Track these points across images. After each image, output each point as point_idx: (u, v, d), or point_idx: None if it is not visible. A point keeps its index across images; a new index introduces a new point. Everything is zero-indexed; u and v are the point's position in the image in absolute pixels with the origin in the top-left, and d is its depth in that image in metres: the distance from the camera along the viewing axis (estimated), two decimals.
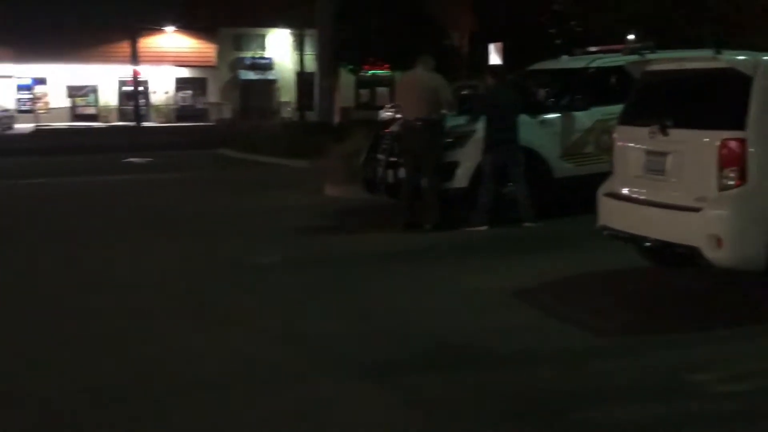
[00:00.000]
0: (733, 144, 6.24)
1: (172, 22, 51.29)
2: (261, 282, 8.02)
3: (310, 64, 31.98)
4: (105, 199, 14.60)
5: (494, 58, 28.07)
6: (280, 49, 51.24)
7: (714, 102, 6.68)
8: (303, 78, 39.48)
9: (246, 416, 4.74)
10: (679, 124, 6.73)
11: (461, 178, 10.50)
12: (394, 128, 11.24)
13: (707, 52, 6.82)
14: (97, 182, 17.11)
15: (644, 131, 6.91)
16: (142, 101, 48.46)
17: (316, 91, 26.90)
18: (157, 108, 52.04)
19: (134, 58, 42.61)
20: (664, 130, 6.74)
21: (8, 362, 5.83)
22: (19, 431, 4.67)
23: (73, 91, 51.28)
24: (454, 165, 10.53)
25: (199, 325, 6.62)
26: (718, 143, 6.30)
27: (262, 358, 5.76)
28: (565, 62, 12.03)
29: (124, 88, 50.03)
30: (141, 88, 48.24)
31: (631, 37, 28.91)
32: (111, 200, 14.47)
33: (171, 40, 52.17)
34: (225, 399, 4.99)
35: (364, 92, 51.19)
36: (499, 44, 27.21)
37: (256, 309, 7.06)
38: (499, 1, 40.43)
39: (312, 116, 28.73)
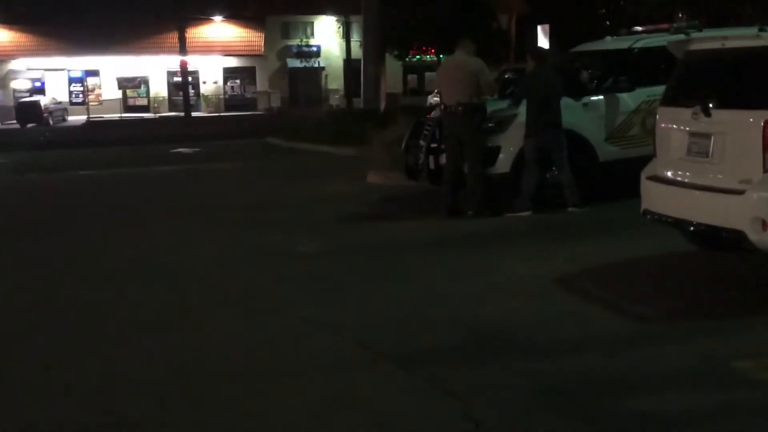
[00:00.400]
0: None
1: (220, 12, 51.65)
2: (301, 271, 8.03)
3: (357, 51, 31.93)
4: (151, 190, 14.82)
5: (542, 41, 27.73)
6: (327, 36, 51.35)
7: (758, 82, 6.47)
8: (350, 65, 39.50)
9: (282, 405, 4.75)
10: (723, 105, 6.55)
11: (503, 163, 10.39)
12: (435, 114, 11.14)
13: (751, 30, 6.62)
14: (145, 173, 17.36)
15: (687, 112, 6.73)
16: (191, 91, 49.00)
17: (363, 78, 26.82)
18: (206, 98, 52.56)
19: (182, 48, 43.02)
20: (707, 111, 6.56)
21: (54, 349, 5.92)
22: (69, 420, 4.73)
23: (124, 83, 52.02)
24: (496, 150, 10.41)
25: (238, 314, 6.66)
26: (762, 123, 6.10)
27: (299, 347, 5.77)
28: (610, 43, 11.79)
29: (174, 79, 50.59)
30: (190, 79, 48.75)
31: (680, 16, 28.38)
32: (156, 191, 14.68)
33: (219, 29, 52.58)
34: (262, 388, 5.01)
35: (412, 78, 51.08)
36: (547, 26, 26.86)
37: (296, 298, 7.07)
38: None
39: (359, 103, 28.70)
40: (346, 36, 39.81)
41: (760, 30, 6.50)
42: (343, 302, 6.89)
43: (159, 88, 52.89)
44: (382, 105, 25.97)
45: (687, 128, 6.81)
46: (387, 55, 29.29)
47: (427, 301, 6.78)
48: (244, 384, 5.12)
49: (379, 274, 7.80)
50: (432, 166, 10.94)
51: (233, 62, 53.46)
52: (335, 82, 50.50)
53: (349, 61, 40.52)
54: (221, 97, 53.27)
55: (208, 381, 5.20)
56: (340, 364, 5.41)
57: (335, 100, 47.56)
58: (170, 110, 50.79)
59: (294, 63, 51.85)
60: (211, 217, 11.48)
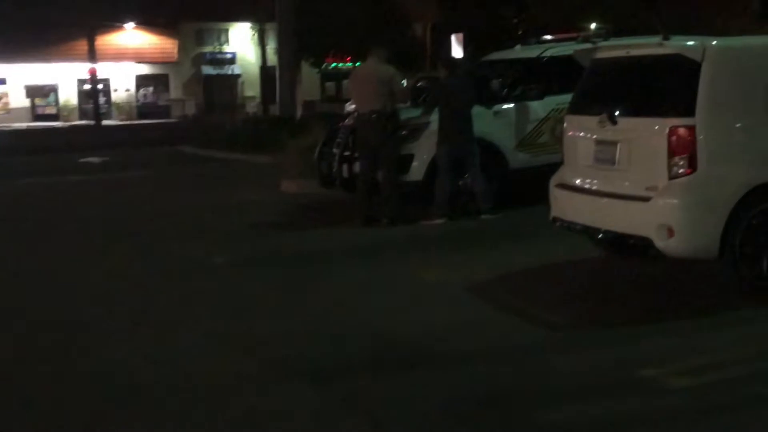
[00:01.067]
0: (682, 131, 6.16)
1: (132, 18, 50.62)
2: (212, 283, 7.85)
3: (273, 58, 31.71)
4: (56, 201, 14.28)
5: (456, 49, 28.01)
6: (242, 43, 50.80)
7: (662, 89, 6.60)
8: (266, 72, 39.14)
9: (187, 425, 4.60)
10: (628, 113, 6.64)
11: (417, 171, 10.38)
12: (348, 121, 11.06)
13: (655, 39, 6.72)
14: (52, 183, 16.77)
15: (593, 120, 6.81)
16: (102, 99, 47.87)
17: (279, 85, 26.61)
18: (118, 106, 51.42)
19: (92, 56, 41.99)
20: (612, 119, 6.64)
21: None
22: None
23: (33, 91, 50.47)
24: (410, 158, 10.40)
25: (143, 330, 6.44)
26: (667, 131, 6.20)
27: (206, 364, 5.60)
28: (519, 52, 11.92)
29: (85, 87, 49.36)
30: (101, 86, 47.61)
31: (592, 25, 29.01)
32: (62, 201, 14.16)
33: (131, 36, 51.49)
34: (166, 406, 4.84)
35: (330, 85, 50.95)
36: (460, 35, 27.14)
37: (207, 311, 6.89)
38: None
39: (276, 111, 28.46)
40: (262, 43, 39.45)
41: (664, 38, 6.61)
42: (253, 316, 6.73)
43: (69, 96, 51.46)
44: (299, 112, 25.81)
45: (594, 136, 6.88)
46: (304, 62, 29.13)
47: (340, 313, 6.68)
48: (148, 402, 4.93)
49: (291, 285, 7.66)
50: (346, 174, 10.85)
51: (146, 69, 52.42)
52: (251, 89, 49.99)
53: (265, 68, 40.16)
54: (133, 104, 52.19)
55: (109, 399, 5.00)
56: (249, 380, 5.26)
57: (251, 108, 47.05)
58: (81, 119, 49.46)
59: (208, 70, 51.14)
60: (118, 228, 11.14)
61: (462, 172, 10.24)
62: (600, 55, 7.28)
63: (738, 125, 6.30)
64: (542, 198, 7.79)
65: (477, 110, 10.25)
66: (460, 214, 10.16)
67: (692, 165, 6.13)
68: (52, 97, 51.45)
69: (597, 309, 6.43)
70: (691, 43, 6.45)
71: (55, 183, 16.79)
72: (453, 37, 28.10)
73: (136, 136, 31.87)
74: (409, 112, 10.82)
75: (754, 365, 5.13)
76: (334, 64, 33.36)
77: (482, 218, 10.10)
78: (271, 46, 38.01)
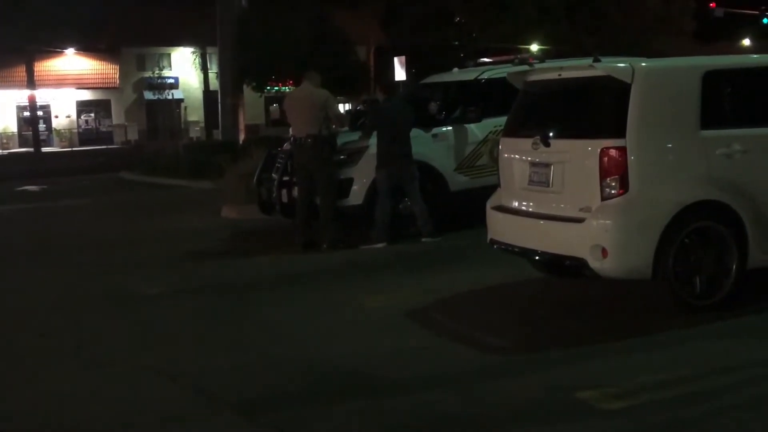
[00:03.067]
0: (613, 152, 6.20)
1: (72, 44, 49.97)
2: (144, 314, 7.68)
3: (216, 82, 31.50)
4: None
5: (399, 72, 28.15)
6: (184, 68, 50.44)
7: (594, 111, 6.65)
8: (209, 97, 38.86)
9: None
10: (561, 135, 6.68)
11: (356, 195, 10.34)
12: (287, 146, 10.98)
13: (585, 61, 6.78)
14: None
15: (527, 142, 6.83)
16: (43, 126, 47.11)
17: (221, 110, 26.46)
18: (59, 132, 50.62)
19: (30, 82, 41.36)
20: (546, 141, 6.66)
21: None
22: None
23: None
24: (349, 182, 10.36)
25: (72, 363, 6.27)
26: (598, 152, 6.24)
27: (136, 398, 5.44)
28: (456, 75, 11.97)
29: (24, 114, 48.51)
30: (41, 113, 46.87)
31: (533, 47, 29.44)
32: None
33: (71, 61, 50.82)
34: None
35: (275, 109, 50.77)
36: (402, 58, 27.28)
37: (139, 344, 6.72)
38: (404, 15, 40.73)
39: (219, 135, 28.26)
40: (204, 68, 39.20)
41: (594, 60, 6.67)
42: (186, 347, 6.57)
43: (8, 123, 50.50)
44: (242, 137, 25.65)
45: (528, 158, 6.90)
46: (246, 86, 28.97)
47: (276, 342, 6.55)
48: None
49: (227, 315, 7.51)
50: (285, 199, 10.75)
51: (87, 95, 51.75)
52: (194, 113, 49.60)
53: (207, 93, 39.89)
54: (75, 131, 51.42)
55: None
56: (179, 414, 5.11)
57: (195, 133, 46.68)
58: (21, 146, 48.56)
59: (150, 95, 50.66)
60: (53, 258, 10.90)
61: (402, 195, 10.22)
62: (533, 77, 7.32)
63: (668, 145, 6.37)
64: (482, 220, 7.78)
65: (415, 133, 10.25)
66: (400, 238, 10.12)
67: (624, 186, 6.17)
68: None
69: (535, 332, 6.42)
70: (620, 65, 6.52)
71: None
72: (396, 60, 28.25)
73: (77, 163, 31.40)
74: (348, 136, 10.78)
75: (689, 386, 5.13)
76: (276, 88, 33.23)
77: (422, 241, 10.08)
78: (213, 71, 37.81)
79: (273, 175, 10.95)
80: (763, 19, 37.20)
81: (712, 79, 6.47)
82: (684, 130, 6.37)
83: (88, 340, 6.92)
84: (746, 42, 48.36)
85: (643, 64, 6.56)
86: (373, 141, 10.20)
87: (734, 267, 6.40)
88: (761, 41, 42.61)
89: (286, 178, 10.70)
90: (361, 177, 10.32)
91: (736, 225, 6.36)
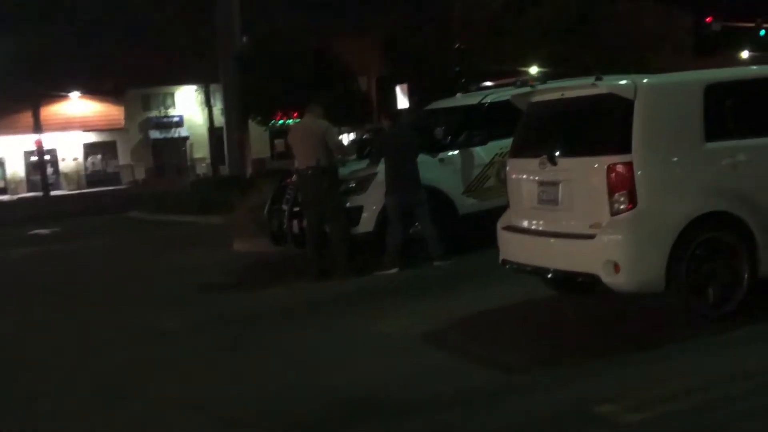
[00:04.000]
0: (620, 168, 6.28)
1: (77, 88, 50.43)
2: (165, 347, 7.76)
3: (221, 118, 31.79)
4: (4, 274, 14.04)
5: (402, 100, 28.38)
6: (189, 105, 50.83)
7: (598, 128, 6.74)
8: (214, 133, 39.13)
9: None
10: (567, 153, 6.76)
11: (367, 222, 10.42)
12: (295, 178, 11.09)
13: (588, 80, 6.89)
14: None
15: (534, 162, 6.92)
16: (50, 170, 47.41)
17: (227, 145, 26.67)
18: (66, 175, 50.94)
19: (37, 126, 41.68)
20: (552, 160, 6.75)
21: None
22: None
23: None
24: (359, 209, 10.44)
25: (96, 397, 6.34)
26: (605, 168, 6.33)
27: (161, 429, 5.52)
28: (461, 99, 12.09)
29: (32, 159, 48.87)
30: (48, 157, 47.18)
31: (532, 69, 29.64)
32: (11, 274, 13.94)
33: (76, 105, 51.25)
34: None
35: (279, 142, 51.03)
36: (405, 86, 27.50)
37: (159, 377, 6.81)
38: (405, 43, 41.04)
39: (226, 171, 28.46)
40: (208, 104, 39.51)
41: (596, 79, 6.78)
42: (208, 378, 6.65)
43: (16, 169, 50.89)
44: (249, 171, 25.81)
45: (536, 177, 6.99)
46: (251, 121, 29.19)
47: (296, 370, 6.62)
48: None
49: (246, 345, 7.59)
50: (296, 229, 10.84)
51: (93, 137, 52.12)
52: (201, 150, 49.92)
53: (212, 129, 40.16)
54: (82, 173, 51.75)
55: None
56: None
57: (202, 169, 46.95)
58: (29, 190, 48.85)
59: (156, 134, 51.01)
60: (70, 297, 10.99)
61: (412, 220, 10.30)
62: (536, 98, 7.43)
63: (674, 159, 6.46)
64: (493, 242, 7.85)
65: (423, 158, 10.35)
66: (412, 263, 10.19)
67: (632, 201, 6.25)
68: None
69: (552, 349, 6.47)
70: (623, 82, 6.63)
71: (2, 257, 16.50)
72: (398, 88, 28.49)
73: (86, 204, 31.58)
74: (355, 164, 10.89)
75: (706, 394, 5.18)
76: (281, 121, 33.45)
77: (435, 265, 10.14)
78: (217, 107, 38.10)
79: (283, 206, 11.05)
80: (760, 31, 37.36)
81: (713, 92, 6.57)
82: (689, 143, 6.46)
83: (112, 374, 7.01)
84: (744, 54, 48.54)
85: (645, 80, 6.66)
86: (381, 168, 10.31)
87: (746, 276, 6.45)
88: (759, 52, 42.79)
89: (296, 209, 10.79)
90: (371, 204, 10.42)
91: (745, 234, 6.43)
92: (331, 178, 10.22)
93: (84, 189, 48.70)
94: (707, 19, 37.99)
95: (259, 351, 7.34)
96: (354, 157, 11.40)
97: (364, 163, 10.87)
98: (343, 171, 10.51)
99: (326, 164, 10.15)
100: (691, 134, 6.46)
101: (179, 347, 7.73)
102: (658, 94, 6.55)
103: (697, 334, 6.26)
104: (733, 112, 6.67)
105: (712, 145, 6.46)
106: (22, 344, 8.56)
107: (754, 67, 8.63)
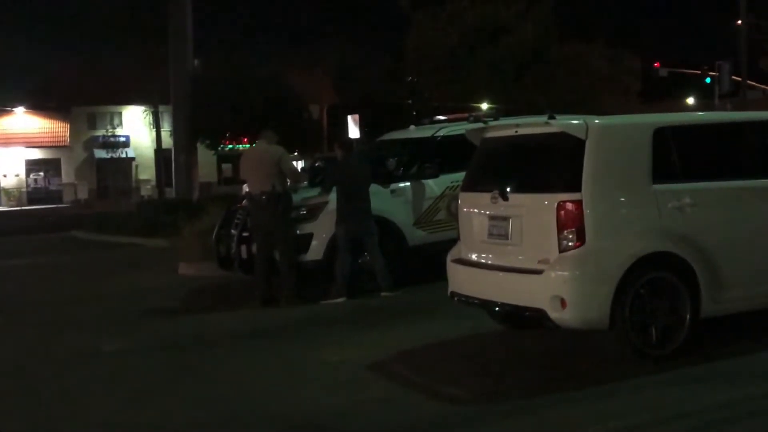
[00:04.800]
0: (570, 206, 6.39)
1: (22, 102, 49.64)
2: (102, 372, 7.60)
3: (168, 140, 31.56)
4: None
5: (353, 130, 28.47)
6: (136, 126, 50.37)
7: (550, 166, 6.85)
8: (161, 155, 38.77)
9: None
10: (519, 189, 6.86)
11: (316, 250, 10.40)
12: (245, 203, 11.04)
13: (542, 118, 7.01)
14: None
15: (486, 197, 7.00)
16: None
17: (174, 167, 26.39)
18: (7, 191, 49.95)
19: None
20: (504, 195, 6.84)
21: None
22: None
23: None
24: (309, 237, 10.42)
25: (26, 424, 6.16)
26: (555, 206, 6.43)
27: None
28: (413, 132, 12.20)
29: None
30: None
31: (484, 105, 30.03)
32: None
33: (21, 120, 50.47)
34: None
35: (227, 167, 50.78)
36: (356, 116, 27.61)
37: (95, 402, 6.66)
38: (357, 74, 41.35)
39: (172, 193, 28.19)
40: (156, 126, 39.13)
41: (550, 117, 6.90)
42: (146, 405, 6.52)
43: None
44: (195, 194, 25.56)
45: (487, 212, 7.07)
46: (199, 144, 29.00)
47: (238, 398, 6.55)
48: None
49: (187, 372, 7.48)
50: (244, 255, 10.77)
51: (36, 154, 51.30)
52: (146, 172, 49.42)
53: (160, 151, 39.78)
54: (24, 190, 50.78)
55: None
56: None
57: (147, 191, 46.46)
58: None
59: (101, 153, 50.38)
60: (8, 317, 10.71)
61: (361, 250, 10.32)
62: (490, 134, 7.53)
63: (622, 199, 6.59)
64: (441, 274, 7.90)
65: (374, 189, 10.40)
66: (360, 293, 10.19)
67: (581, 238, 6.36)
68: None
69: (497, 382, 6.50)
70: (575, 121, 6.76)
71: None
72: (349, 118, 28.60)
73: (27, 222, 30.96)
74: (306, 192, 10.89)
75: None
76: (230, 146, 33.33)
77: (382, 296, 10.16)
78: (165, 129, 37.79)
79: (232, 231, 10.98)
80: (705, 78, 38.43)
81: (662, 135, 6.74)
82: (636, 184, 6.60)
83: (43, 399, 6.84)
84: (690, 101, 49.86)
85: (597, 120, 6.80)
86: (332, 197, 10.32)
87: (688, 316, 6.59)
88: (704, 100, 44.00)
89: (245, 234, 10.74)
90: (321, 232, 10.40)
91: (688, 275, 6.57)
92: (285, 204, 10.19)
93: (25, 206, 47.77)
94: (655, 65, 39.00)
95: (201, 377, 7.24)
96: (305, 184, 11.38)
97: (315, 191, 10.86)
98: (294, 198, 10.48)
99: (281, 190, 10.13)
100: (639, 175, 6.60)
101: (121, 371, 7.59)
102: (608, 135, 6.69)
103: (640, 372, 6.35)
104: (681, 156, 6.83)
105: (659, 187, 6.62)
106: None
107: (701, 113, 8.88)
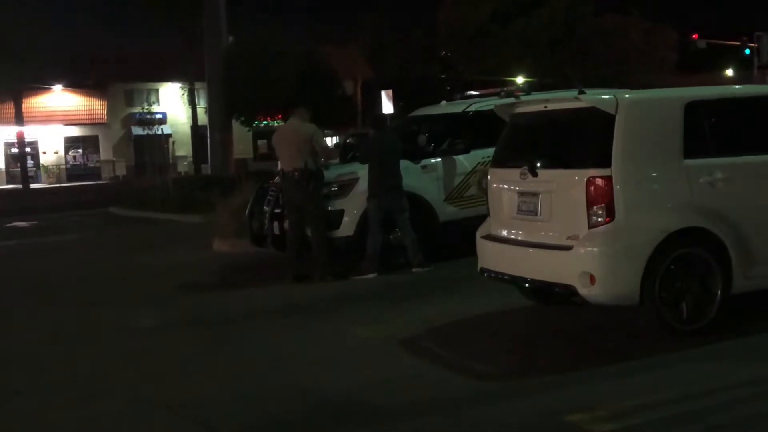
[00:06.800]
0: (599, 181, 6.36)
1: (60, 81, 50.20)
2: (140, 346, 7.74)
3: (204, 117, 31.80)
4: None
5: (386, 105, 28.46)
6: (173, 103, 50.71)
7: (579, 141, 6.82)
8: (197, 132, 39.09)
9: None
10: (548, 165, 6.84)
11: (347, 227, 10.45)
12: (278, 180, 11.12)
13: (572, 93, 6.96)
14: None
15: (515, 173, 6.99)
16: (30, 162, 47.16)
17: (210, 144, 26.63)
18: (46, 168, 50.65)
19: (19, 118, 41.46)
20: (533, 171, 6.82)
21: None
22: None
23: None
24: (340, 213, 10.48)
25: (69, 397, 6.30)
26: (585, 181, 6.40)
27: (135, 428, 5.52)
28: (445, 107, 12.17)
29: (12, 150, 48.58)
30: (29, 149, 46.93)
31: (518, 80, 29.81)
32: None
33: (59, 98, 51.05)
34: None
35: (262, 143, 51.02)
36: (390, 92, 27.58)
37: (133, 376, 6.78)
38: (390, 49, 41.22)
39: (208, 170, 28.43)
40: (192, 103, 39.40)
41: (580, 92, 6.85)
42: (182, 379, 6.64)
43: None
44: (231, 171, 25.77)
45: (516, 188, 7.06)
46: (234, 120, 29.18)
47: (272, 372, 6.64)
48: None
49: (222, 346, 7.59)
50: (277, 231, 10.87)
51: (75, 131, 51.91)
52: (183, 148, 49.80)
53: (196, 128, 40.10)
54: (62, 167, 51.47)
55: None
56: None
57: (183, 167, 46.84)
58: (8, 182, 48.57)
59: (138, 130, 50.77)
60: (46, 293, 10.93)
61: (392, 226, 10.35)
62: (520, 109, 7.50)
63: (653, 174, 6.54)
64: (471, 250, 7.91)
65: (405, 165, 10.41)
66: (391, 269, 10.23)
67: (610, 214, 6.33)
68: None
69: (527, 358, 6.52)
70: (605, 96, 6.70)
71: None
72: (383, 94, 28.58)
73: (66, 198, 31.42)
74: (339, 169, 10.93)
75: (677, 407, 5.25)
76: (265, 122, 33.49)
77: (413, 271, 10.19)
78: (201, 106, 38.03)
79: (265, 208, 11.08)
80: (744, 49, 37.77)
81: (694, 109, 6.67)
82: (667, 160, 6.55)
83: (85, 373, 6.98)
84: (729, 72, 49.04)
85: (627, 95, 6.74)
86: (363, 173, 10.35)
87: (719, 292, 6.55)
88: (743, 71, 43.24)
89: (277, 211, 10.82)
90: (352, 209, 10.45)
91: (719, 251, 6.52)
92: (317, 182, 10.25)
93: (64, 183, 48.45)
94: (693, 36, 38.36)
95: (235, 352, 7.35)
96: (337, 161, 11.42)
97: (347, 168, 10.90)
98: (326, 174, 10.54)
99: (313, 167, 10.18)
100: (670, 150, 6.55)
101: (155, 346, 7.72)
102: (639, 110, 6.63)
103: (669, 348, 6.34)
104: (713, 130, 6.77)
105: (690, 162, 6.56)
106: None
107: (736, 87, 8.75)
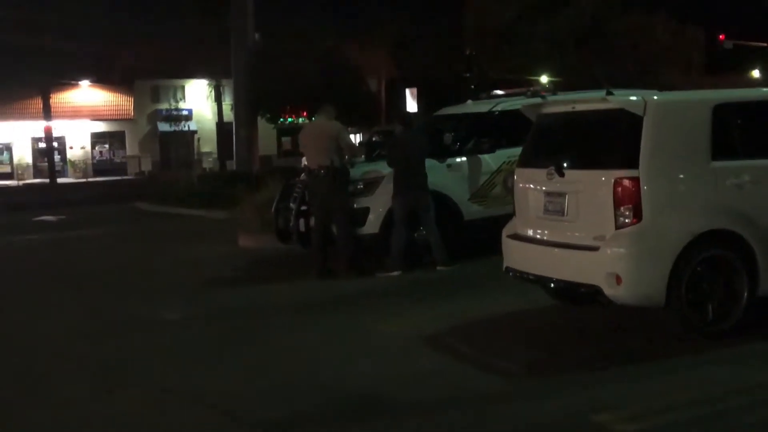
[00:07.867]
0: (627, 182, 6.36)
1: (87, 76, 50.60)
2: (166, 338, 7.84)
3: (230, 114, 31.99)
4: (8, 261, 14.13)
5: (411, 103, 28.50)
6: (199, 99, 50.98)
7: (607, 142, 6.81)
8: (223, 128, 39.28)
9: None
10: (575, 165, 6.84)
11: (373, 224, 10.51)
12: (304, 176, 11.20)
13: (599, 94, 6.97)
14: (3, 243, 16.55)
15: (542, 173, 7.00)
16: (57, 157, 47.59)
17: (235, 140, 26.77)
18: (73, 163, 51.10)
19: (47, 113, 41.87)
20: (560, 171, 6.84)
21: None
22: None
23: None
24: (366, 211, 10.54)
25: (95, 386, 6.41)
26: (612, 182, 6.41)
27: (158, 420, 5.60)
28: (470, 107, 12.19)
29: (40, 145, 49.07)
30: (56, 144, 47.36)
31: (543, 79, 29.73)
32: (15, 261, 14.04)
33: (86, 93, 51.44)
34: None
35: (286, 140, 51.19)
36: (414, 90, 27.60)
37: (159, 367, 6.89)
38: (416, 47, 41.19)
39: (233, 166, 28.59)
40: (218, 99, 39.59)
41: (607, 93, 6.86)
42: (207, 370, 6.73)
43: (23, 154, 51.05)
44: (256, 167, 25.89)
45: (543, 188, 7.07)
46: (260, 118, 29.31)
47: (294, 366, 6.71)
48: None
49: (246, 339, 7.68)
50: (302, 228, 10.94)
51: (102, 127, 52.30)
52: (208, 145, 50.09)
53: (221, 124, 40.29)
54: (89, 162, 51.91)
55: None
56: None
57: (208, 163, 47.09)
58: (35, 177, 49.04)
59: (164, 127, 51.13)
60: (73, 286, 11.07)
61: (417, 224, 10.39)
62: (547, 109, 7.51)
63: (680, 176, 6.53)
64: (496, 249, 7.93)
65: (430, 163, 10.44)
66: (415, 266, 10.27)
67: (637, 215, 6.33)
68: (5, 156, 50.95)
69: (550, 357, 6.54)
70: (633, 98, 6.70)
71: (8, 242, 16.60)
72: (407, 92, 28.61)
73: (92, 193, 31.68)
74: (365, 166, 10.99)
75: (701, 408, 5.25)
76: (290, 119, 33.60)
77: (438, 269, 10.23)
78: (227, 102, 38.19)
79: (290, 204, 11.15)
80: None
81: (722, 111, 6.65)
82: (695, 161, 6.54)
83: (112, 363, 7.09)
84: (756, 73, 48.58)
85: (655, 97, 6.74)
86: (388, 171, 10.40)
87: (745, 294, 6.53)
88: None
89: (303, 208, 10.90)
90: (378, 206, 10.51)
91: (746, 253, 6.50)
92: (343, 179, 10.31)
93: (90, 178, 48.85)
94: (720, 37, 38.05)
95: (261, 345, 7.42)
96: (363, 158, 11.48)
97: (373, 165, 10.96)
98: (352, 172, 10.60)
99: (339, 165, 10.25)
100: (697, 152, 6.54)
101: (181, 339, 7.82)
102: (667, 112, 6.63)
103: (694, 349, 6.33)
104: (741, 132, 6.75)
105: (718, 164, 6.54)
106: (23, 330, 8.64)
107: (764, 89, 8.71)
